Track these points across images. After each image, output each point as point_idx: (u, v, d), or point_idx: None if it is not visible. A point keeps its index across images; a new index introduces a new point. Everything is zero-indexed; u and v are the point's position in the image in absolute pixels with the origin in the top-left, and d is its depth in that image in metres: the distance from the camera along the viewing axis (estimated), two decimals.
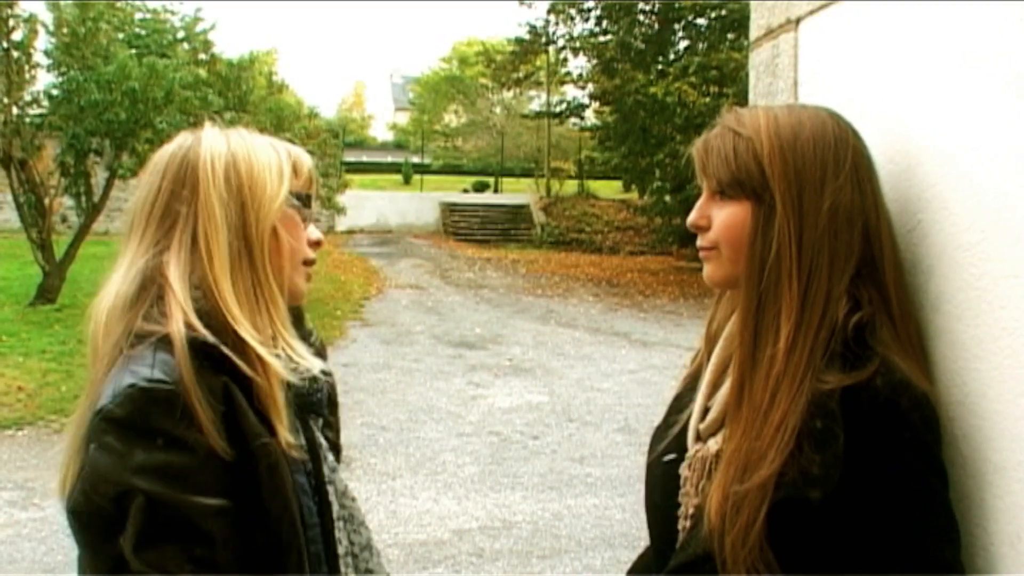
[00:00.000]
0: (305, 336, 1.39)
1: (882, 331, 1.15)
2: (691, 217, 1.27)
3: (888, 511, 1.09)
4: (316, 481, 1.30)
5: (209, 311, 1.19)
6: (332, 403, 1.47)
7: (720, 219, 1.23)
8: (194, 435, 1.09)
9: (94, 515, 1.11)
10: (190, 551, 1.08)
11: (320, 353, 1.40)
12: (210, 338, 1.15)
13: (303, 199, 1.36)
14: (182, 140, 1.32)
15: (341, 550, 1.31)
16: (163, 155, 1.30)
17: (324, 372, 1.36)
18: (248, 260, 1.24)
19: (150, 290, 1.20)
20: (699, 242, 1.27)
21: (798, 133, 1.19)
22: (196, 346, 1.14)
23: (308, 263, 1.38)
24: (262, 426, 1.17)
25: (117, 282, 1.22)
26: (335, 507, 1.32)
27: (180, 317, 1.15)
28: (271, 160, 1.30)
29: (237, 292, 1.21)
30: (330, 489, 1.32)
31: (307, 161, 1.39)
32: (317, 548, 1.26)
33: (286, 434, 1.19)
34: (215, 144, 1.29)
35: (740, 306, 1.22)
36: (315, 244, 1.39)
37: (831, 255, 1.16)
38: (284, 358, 1.25)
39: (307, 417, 1.34)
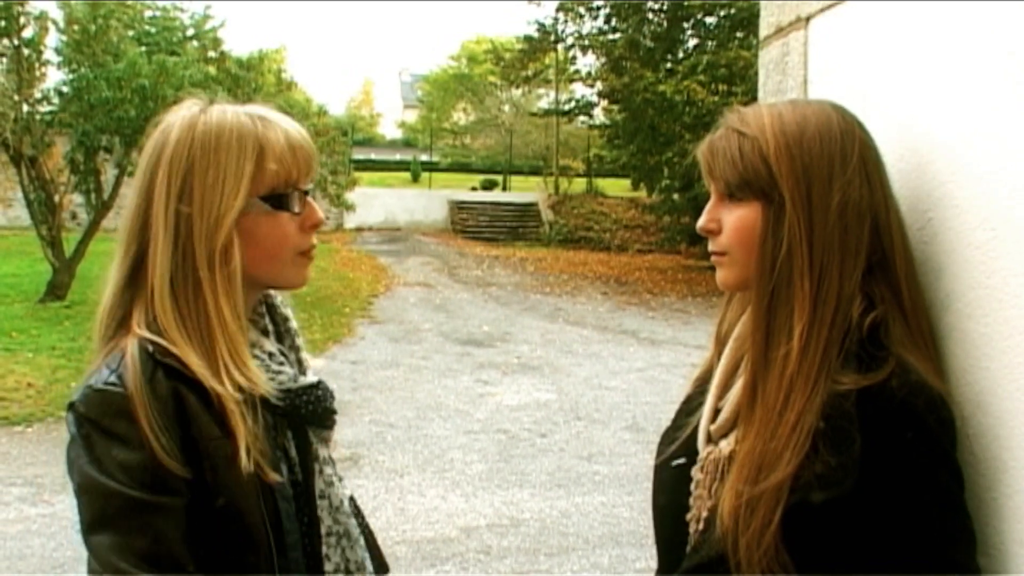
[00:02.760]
0: (285, 334, 1.40)
1: (895, 328, 1.14)
2: (701, 221, 1.26)
3: (904, 513, 1.08)
4: (305, 493, 1.31)
5: (160, 334, 1.23)
6: None
7: (730, 223, 1.22)
8: (140, 436, 1.16)
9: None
10: (129, 543, 1.14)
11: (301, 362, 1.40)
12: (150, 347, 1.21)
13: (280, 197, 1.28)
14: (160, 136, 1.28)
15: (330, 566, 1.32)
16: (148, 150, 1.29)
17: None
18: (193, 285, 1.23)
19: (123, 310, 1.27)
20: (710, 246, 1.26)
21: (803, 129, 1.17)
22: (147, 354, 1.21)
23: (305, 253, 1.33)
24: (219, 428, 1.20)
25: (105, 296, 1.29)
26: (326, 522, 1.33)
27: (139, 328, 1.24)
28: (229, 165, 1.24)
29: (181, 319, 1.23)
30: (322, 504, 1.32)
31: (280, 141, 1.27)
32: (296, 555, 1.27)
33: (243, 443, 1.20)
34: (178, 148, 1.25)
35: (751, 306, 1.21)
36: (312, 227, 1.32)
37: (842, 251, 1.15)
38: (262, 366, 1.28)
39: (304, 428, 1.33)
